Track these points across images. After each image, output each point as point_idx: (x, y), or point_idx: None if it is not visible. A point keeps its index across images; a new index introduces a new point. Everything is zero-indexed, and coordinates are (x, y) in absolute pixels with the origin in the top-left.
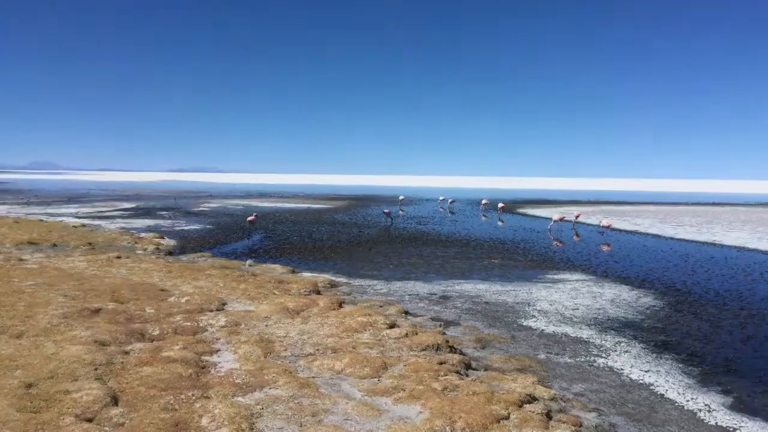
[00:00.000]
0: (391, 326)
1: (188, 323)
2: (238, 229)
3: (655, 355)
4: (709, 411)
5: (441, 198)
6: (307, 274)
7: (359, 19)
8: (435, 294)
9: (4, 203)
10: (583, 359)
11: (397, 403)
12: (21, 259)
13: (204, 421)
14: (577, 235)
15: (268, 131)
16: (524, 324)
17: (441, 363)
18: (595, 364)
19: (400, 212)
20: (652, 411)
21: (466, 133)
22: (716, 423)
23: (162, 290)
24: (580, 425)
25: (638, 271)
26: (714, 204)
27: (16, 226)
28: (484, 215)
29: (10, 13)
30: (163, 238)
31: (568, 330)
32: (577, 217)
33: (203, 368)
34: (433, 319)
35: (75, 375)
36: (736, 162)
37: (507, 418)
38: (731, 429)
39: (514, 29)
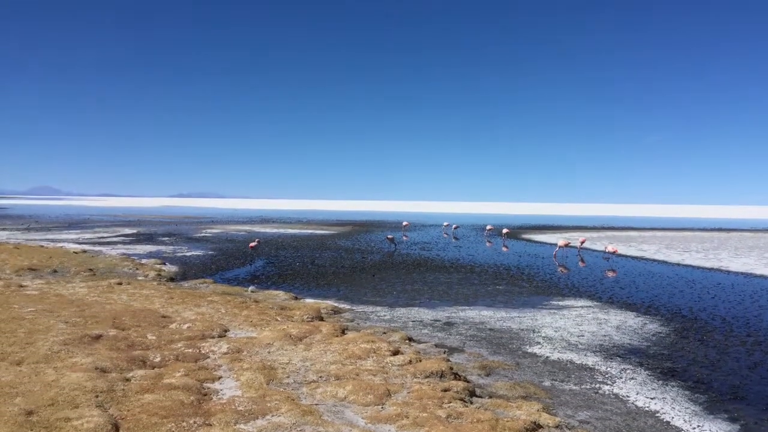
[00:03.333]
0: (395, 353)
1: (190, 350)
2: (241, 255)
3: (661, 382)
4: None
5: (445, 224)
6: (309, 301)
7: (361, 41)
8: (439, 320)
9: (4, 229)
10: (588, 386)
11: (400, 431)
12: (21, 286)
13: None
14: (583, 261)
15: (270, 156)
16: (529, 351)
17: (445, 390)
18: (600, 391)
19: (404, 238)
20: None
21: (469, 158)
22: None
23: (163, 317)
24: None
25: (644, 298)
26: (721, 230)
27: (17, 251)
28: (489, 241)
29: (9, 37)
30: (164, 264)
31: (573, 357)
32: (582, 242)
33: (205, 395)
34: (437, 345)
35: (76, 402)
36: (743, 187)
37: None
38: None
39: (514, 52)
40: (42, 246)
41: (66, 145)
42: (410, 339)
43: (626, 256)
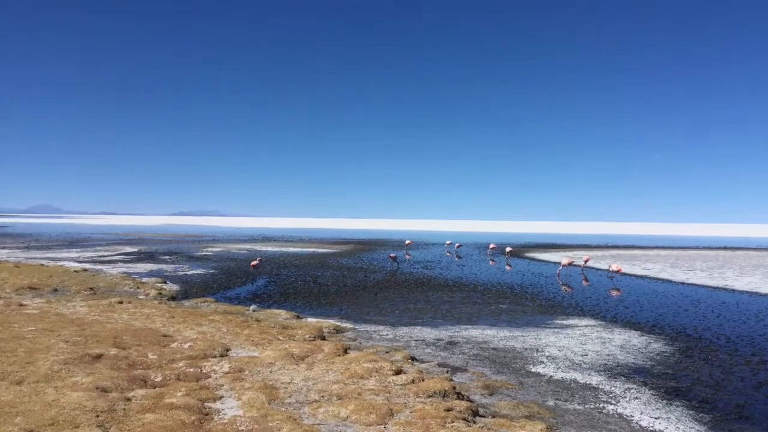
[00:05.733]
0: (397, 372)
1: (191, 369)
2: (242, 274)
3: (665, 401)
4: None
5: (447, 242)
6: (311, 320)
7: (361, 58)
8: (442, 340)
9: (4, 247)
10: (592, 406)
11: None
12: (21, 305)
13: None
14: (586, 279)
15: (271, 175)
16: (532, 370)
17: (448, 410)
18: (604, 411)
19: (406, 257)
20: None
21: (472, 177)
22: None
23: (164, 336)
24: None
25: (648, 317)
26: (725, 248)
27: (17, 270)
28: (492, 260)
29: (9, 53)
30: (165, 282)
31: (577, 376)
32: (586, 261)
33: (206, 415)
34: (440, 365)
35: (76, 422)
36: (748, 206)
37: None
38: None
39: (515, 69)
40: (42, 265)
41: (66, 164)
42: (413, 358)
43: (630, 275)
